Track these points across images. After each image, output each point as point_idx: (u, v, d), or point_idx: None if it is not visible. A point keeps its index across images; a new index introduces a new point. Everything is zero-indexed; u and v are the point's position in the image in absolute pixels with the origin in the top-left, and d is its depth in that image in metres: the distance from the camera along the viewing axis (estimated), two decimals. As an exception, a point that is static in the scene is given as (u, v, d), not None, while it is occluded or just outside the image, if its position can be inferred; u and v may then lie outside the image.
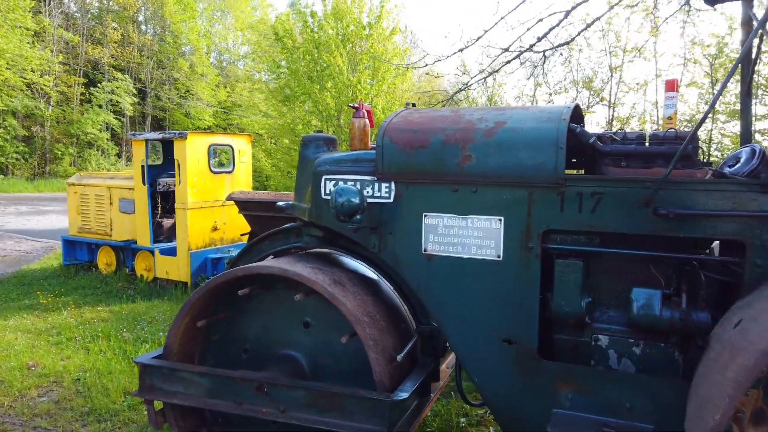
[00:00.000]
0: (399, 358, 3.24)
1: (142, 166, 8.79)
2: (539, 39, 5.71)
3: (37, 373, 5.27)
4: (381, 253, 3.22)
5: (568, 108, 2.95)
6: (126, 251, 9.52)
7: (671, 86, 3.05)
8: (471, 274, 3.02)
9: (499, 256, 2.95)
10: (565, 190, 2.79)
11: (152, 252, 8.94)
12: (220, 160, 9.68)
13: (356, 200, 3.02)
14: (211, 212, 8.79)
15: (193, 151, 8.38)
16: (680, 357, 2.83)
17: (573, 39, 6.18)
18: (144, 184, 8.80)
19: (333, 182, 3.34)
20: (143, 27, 44.62)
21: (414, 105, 3.59)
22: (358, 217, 3.06)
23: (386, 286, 3.76)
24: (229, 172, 9.16)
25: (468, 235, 3.01)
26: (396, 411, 2.96)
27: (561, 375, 2.89)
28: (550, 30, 5.69)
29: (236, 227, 9.20)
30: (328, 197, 3.34)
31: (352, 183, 3.27)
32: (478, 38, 6.08)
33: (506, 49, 6.05)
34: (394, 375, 3.18)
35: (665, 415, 2.69)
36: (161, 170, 9.70)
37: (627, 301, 2.85)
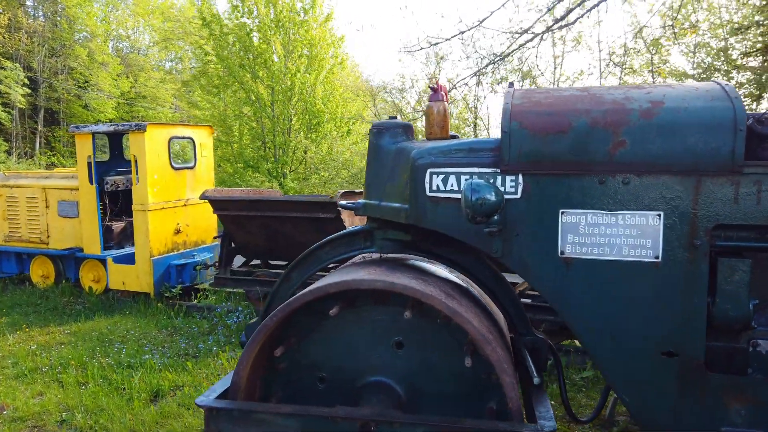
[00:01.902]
0: (536, 381, 2.79)
1: (89, 163, 7.66)
2: (557, 20, 5.42)
3: (10, 418, 4.31)
4: (505, 258, 2.73)
5: (730, 86, 2.59)
6: (67, 261, 8.33)
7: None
8: (621, 279, 2.60)
9: (657, 257, 2.55)
10: (741, 178, 2.44)
11: (103, 261, 7.85)
12: (181, 154, 8.70)
13: (494, 197, 2.51)
14: (173, 213, 7.84)
15: (152, 144, 7.39)
16: None
17: (577, 20, 5.94)
18: (91, 183, 7.68)
19: (442, 177, 2.81)
20: (33, 11, 40.71)
21: (513, 84, 3.11)
22: (496, 217, 2.56)
23: (477, 292, 3.31)
24: (191, 168, 8.21)
25: (618, 234, 2.60)
26: (543, 443, 2.53)
27: (732, 389, 2.55)
28: (571, 11, 5.42)
29: (200, 229, 8.32)
30: (436, 194, 2.81)
31: (467, 177, 2.76)
32: (484, 19, 5.70)
33: (526, 30, 5.71)
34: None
35: None
36: (108, 167, 8.55)
37: (796, 301, 2.55)
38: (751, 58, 13.63)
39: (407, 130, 3.23)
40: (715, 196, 2.48)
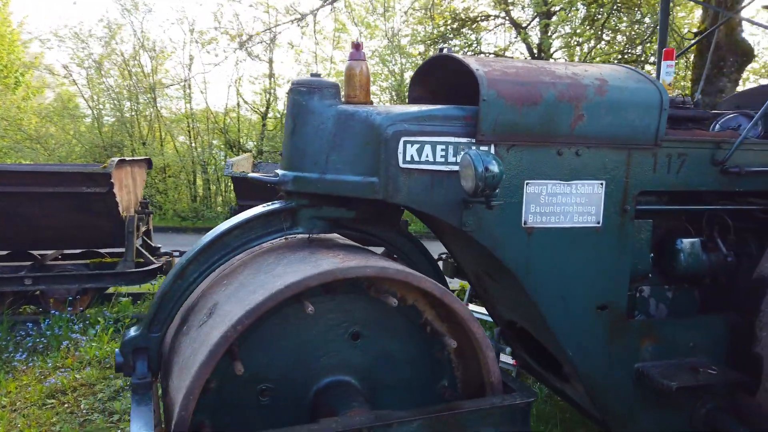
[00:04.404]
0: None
1: None
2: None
3: None
4: (476, 232, 2.66)
5: (642, 71, 2.98)
6: None
7: (669, 55, 3.41)
8: (571, 245, 2.82)
9: (598, 222, 2.84)
10: (658, 151, 2.87)
11: None
12: None
13: (498, 168, 2.38)
14: None
15: None
16: (698, 296, 3.32)
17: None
18: None
19: (416, 146, 2.55)
20: None
21: (448, 49, 2.97)
22: (498, 190, 2.44)
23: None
24: None
25: (570, 203, 2.80)
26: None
27: (644, 330, 3.02)
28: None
29: None
30: (409, 165, 2.55)
31: (442, 147, 2.58)
32: None
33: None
34: None
35: (717, 347, 3.13)
36: None
37: (671, 251, 3.16)
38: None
39: (337, 90, 2.82)
40: (640, 166, 2.85)
